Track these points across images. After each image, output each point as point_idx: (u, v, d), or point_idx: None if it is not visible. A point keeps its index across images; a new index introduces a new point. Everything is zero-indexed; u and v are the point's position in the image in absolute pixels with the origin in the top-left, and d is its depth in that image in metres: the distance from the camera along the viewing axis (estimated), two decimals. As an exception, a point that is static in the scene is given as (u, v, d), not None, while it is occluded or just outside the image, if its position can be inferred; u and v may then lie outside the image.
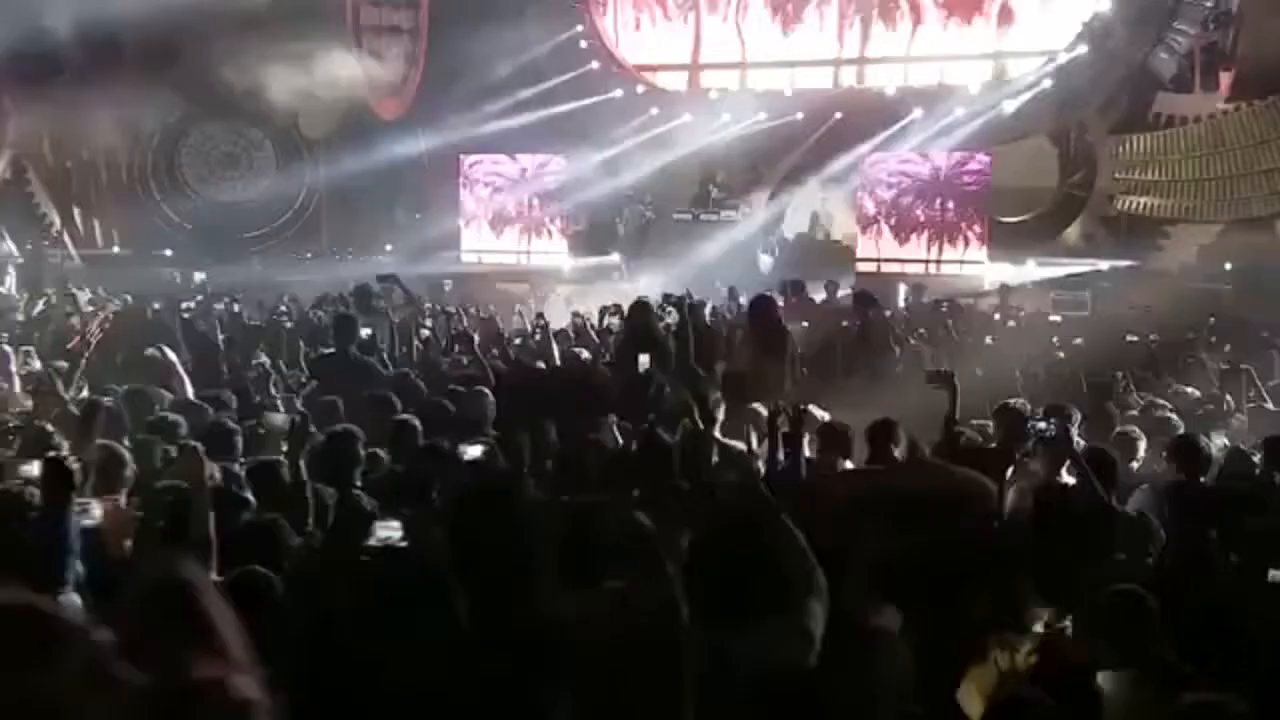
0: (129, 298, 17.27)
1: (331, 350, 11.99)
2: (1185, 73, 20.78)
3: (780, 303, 16.15)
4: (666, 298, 13.60)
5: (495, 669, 4.19)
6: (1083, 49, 21.02)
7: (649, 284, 19.48)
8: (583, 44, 24.28)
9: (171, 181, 24.98)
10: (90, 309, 15.82)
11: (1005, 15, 22.10)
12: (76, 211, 24.84)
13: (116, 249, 24.62)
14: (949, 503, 6.26)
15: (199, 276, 21.10)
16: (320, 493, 7.13)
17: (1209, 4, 20.23)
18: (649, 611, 4.44)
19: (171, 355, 11.03)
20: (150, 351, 11.59)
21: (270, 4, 21.65)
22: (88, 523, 6.22)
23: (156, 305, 15.74)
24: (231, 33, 22.02)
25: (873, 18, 23.06)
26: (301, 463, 7.10)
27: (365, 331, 12.20)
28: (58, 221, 24.48)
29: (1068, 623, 5.03)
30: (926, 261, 21.67)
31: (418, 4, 24.21)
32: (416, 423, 8.74)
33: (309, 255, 23.40)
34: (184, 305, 15.41)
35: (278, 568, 5.85)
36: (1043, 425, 8.29)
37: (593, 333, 15.85)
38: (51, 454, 6.44)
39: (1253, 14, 19.85)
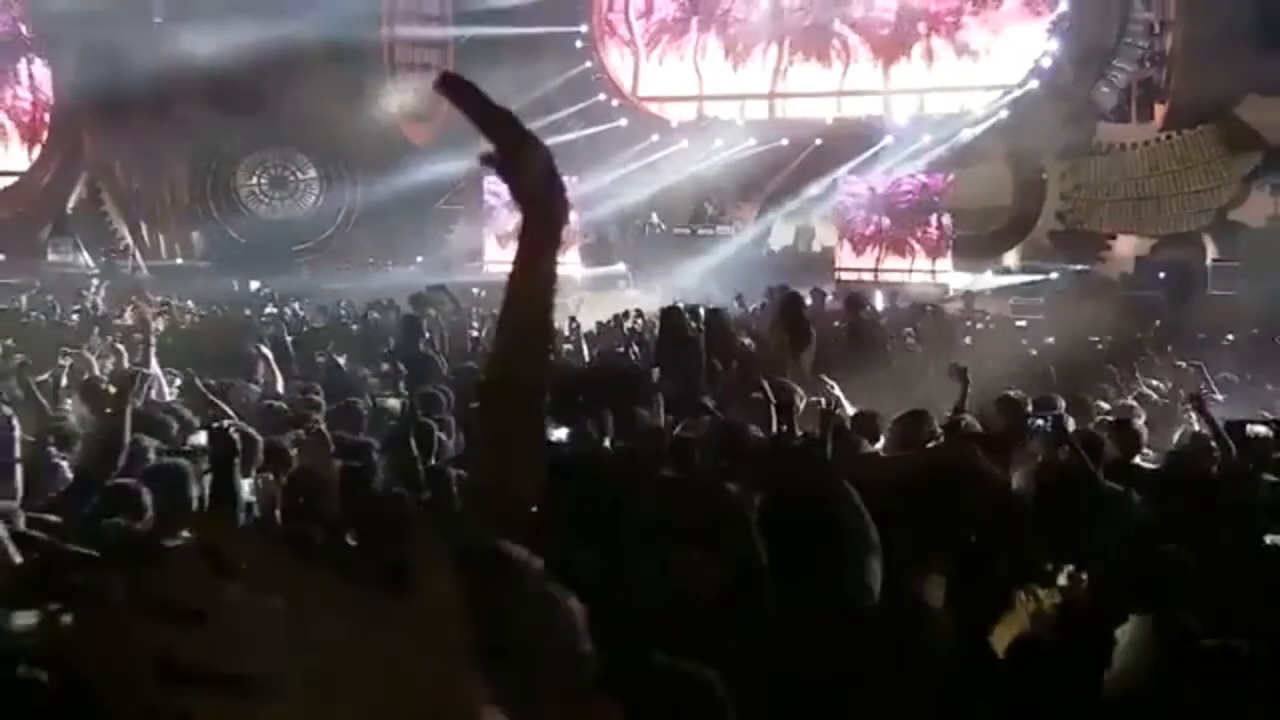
0: (218, 307, 17.27)
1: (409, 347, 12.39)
2: (1124, 105, 21.05)
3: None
4: (691, 308, 13.52)
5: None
6: (1034, 84, 21.24)
7: (654, 292, 19.46)
8: (591, 78, 24.32)
9: (228, 201, 25.15)
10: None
11: (969, 54, 22.23)
12: (144, 227, 25.06)
13: (180, 261, 24.75)
14: (969, 479, 6.28)
15: (254, 285, 21.08)
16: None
17: (1145, 45, 20.49)
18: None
19: (267, 352, 11.30)
20: (250, 349, 11.85)
21: (318, 46, 22.01)
22: (248, 497, 6.49)
23: (247, 311, 15.89)
24: (283, 71, 22.32)
25: (845, 56, 23.12)
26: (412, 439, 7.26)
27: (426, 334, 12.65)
28: (128, 236, 24.85)
29: (1084, 576, 5.02)
30: (898, 271, 21.59)
31: (445, 44, 24.51)
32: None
33: (347, 265, 23.37)
34: (265, 311, 15.66)
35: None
36: (1041, 420, 8.23)
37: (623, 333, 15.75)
38: (216, 425, 6.82)
39: (1183, 54, 20.07)
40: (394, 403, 8.97)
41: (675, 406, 9.26)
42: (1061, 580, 4.93)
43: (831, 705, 3.59)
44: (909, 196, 21.93)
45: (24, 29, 25.93)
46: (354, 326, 15.43)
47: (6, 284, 20.82)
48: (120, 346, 12.16)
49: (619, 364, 12.61)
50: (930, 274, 21.43)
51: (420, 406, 8.29)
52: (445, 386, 10.00)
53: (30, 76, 26.18)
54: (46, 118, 25.96)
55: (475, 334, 15.26)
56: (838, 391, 9.28)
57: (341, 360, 12.49)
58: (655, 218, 23.76)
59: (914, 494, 5.04)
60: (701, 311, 13.15)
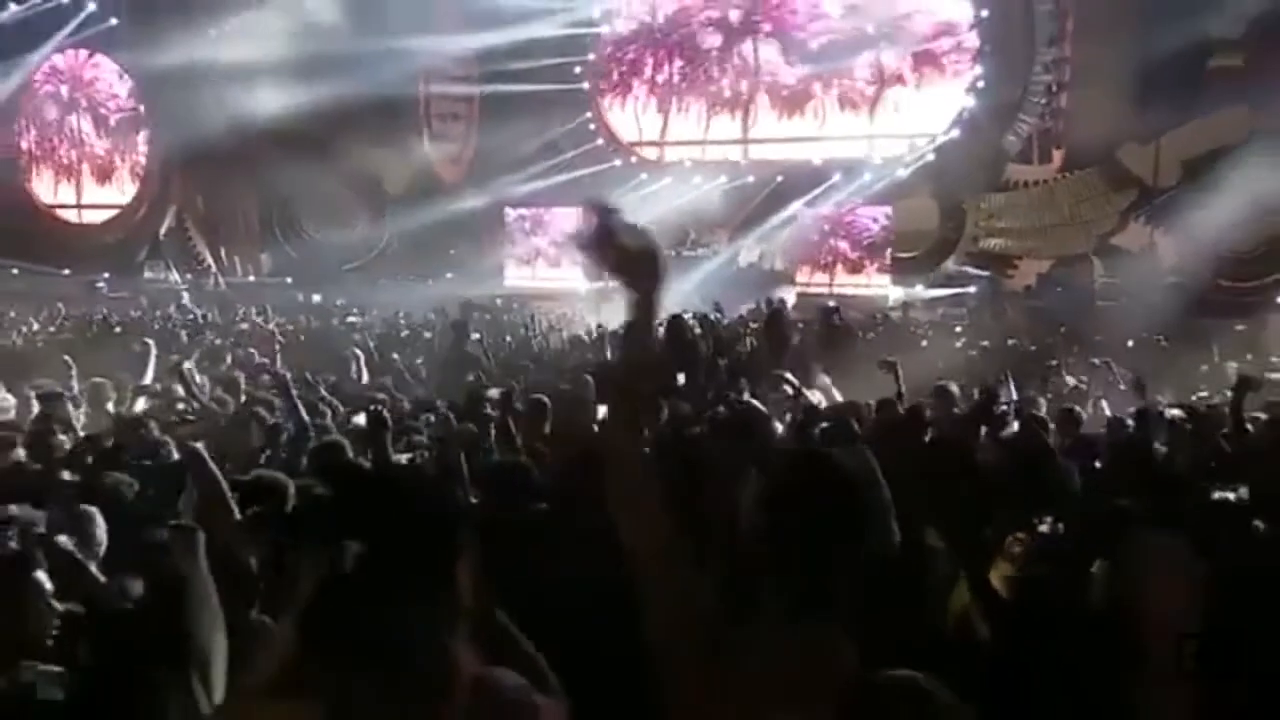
0: (306, 317, 17.61)
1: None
2: (1028, 150, 20.96)
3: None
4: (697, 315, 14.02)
5: None
6: (956, 133, 21.38)
7: None
8: (591, 126, 24.33)
9: (290, 228, 25.51)
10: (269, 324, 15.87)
11: (902, 108, 22.21)
12: (222, 250, 25.56)
13: (251, 278, 25.14)
14: (952, 458, 6.22)
15: (316, 298, 21.61)
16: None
17: (1044, 102, 20.67)
18: None
19: (359, 353, 11.70)
20: (345, 352, 12.26)
21: (365, 100, 22.31)
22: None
23: (335, 320, 16.24)
24: (336, 122, 22.66)
25: (803, 108, 22.96)
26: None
27: (474, 335, 13.29)
28: (208, 257, 25.33)
29: (1059, 526, 5.00)
30: (847, 285, 21.87)
31: (471, 99, 24.59)
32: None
33: (389, 280, 23.56)
34: (349, 320, 16.05)
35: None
36: (1004, 406, 8.62)
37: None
38: (372, 407, 6.85)
39: (1076, 111, 20.32)
40: (494, 392, 8.53)
41: (687, 397, 9.17)
42: (1043, 528, 5.02)
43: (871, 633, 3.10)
44: (855, 224, 22.25)
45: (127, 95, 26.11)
46: (426, 334, 15.40)
47: (113, 297, 21.39)
48: (251, 349, 12.40)
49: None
50: (870, 288, 21.59)
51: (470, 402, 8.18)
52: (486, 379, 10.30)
53: (125, 134, 26.37)
54: (143, 161, 26.20)
55: (509, 337, 15.56)
56: (828, 380, 9.66)
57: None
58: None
59: (926, 464, 5.76)
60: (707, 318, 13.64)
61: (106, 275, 23.44)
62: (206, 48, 23.48)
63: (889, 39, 22.03)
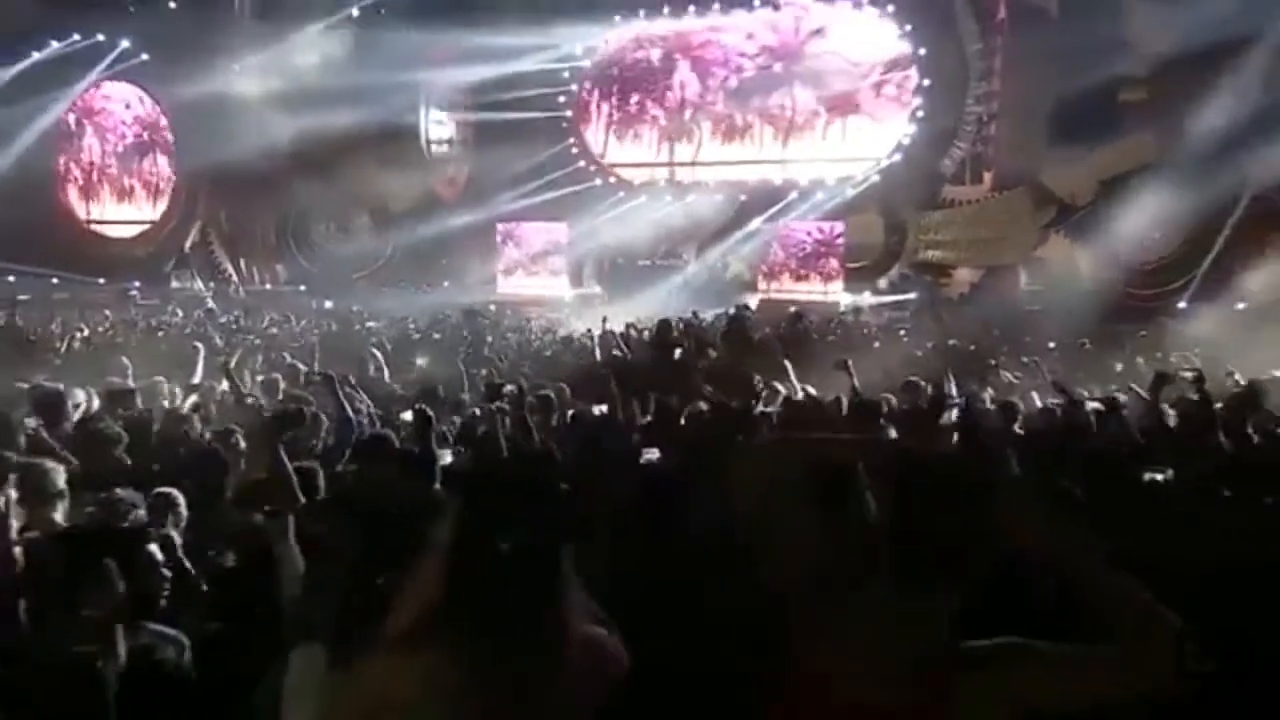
0: (327, 322, 17.65)
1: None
2: (961, 172, 21.03)
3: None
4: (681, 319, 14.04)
5: None
6: (898, 157, 21.44)
7: (623, 308, 19.27)
8: (573, 150, 24.27)
9: (304, 242, 25.49)
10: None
11: (851, 134, 22.19)
12: (242, 262, 25.62)
13: (268, 286, 25.17)
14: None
15: (328, 304, 21.73)
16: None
17: (976, 130, 20.78)
18: None
19: (378, 353, 11.63)
20: (362, 353, 12.03)
21: (372, 127, 22.55)
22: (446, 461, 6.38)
23: (357, 326, 16.21)
24: (346, 146, 22.73)
25: (766, 133, 23.01)
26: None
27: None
28: (229, 268, 25.39)
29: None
30: (803, 292, 21.80)
31: (467, 125, 24.65)
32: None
33: (392, 288, 23.47)
34: (367, 324, 16.16)
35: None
36: (957, 400, 8.51)
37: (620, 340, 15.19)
38: (419, 406, 6.74)
39: (1003, 137, 20.54)
40: (510, 388, 8.28)
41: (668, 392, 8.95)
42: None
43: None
44: (810, 238, 22.35)
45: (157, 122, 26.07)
46: (435, 335, 15.43)
47: (144, 304, 21.45)
48: (284, 352, 12.35)
49: (643, 365, 11.95)
50: (825, 295, 21.65)
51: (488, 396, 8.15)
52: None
53: (155, 157, 26.37)
54: (171, 182, 26.23)
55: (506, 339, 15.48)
56: (793, 379, 9.53)
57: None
58: (617, 258, 23.89)
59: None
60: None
61: (138, 284, 23.50)
62: (230, 81, 23.53)
63: (845, 75, 22.06)
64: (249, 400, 8.90)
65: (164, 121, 25.91)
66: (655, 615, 3.16)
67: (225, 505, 5.89)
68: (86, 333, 14.02)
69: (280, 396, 9.35)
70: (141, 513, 5.37)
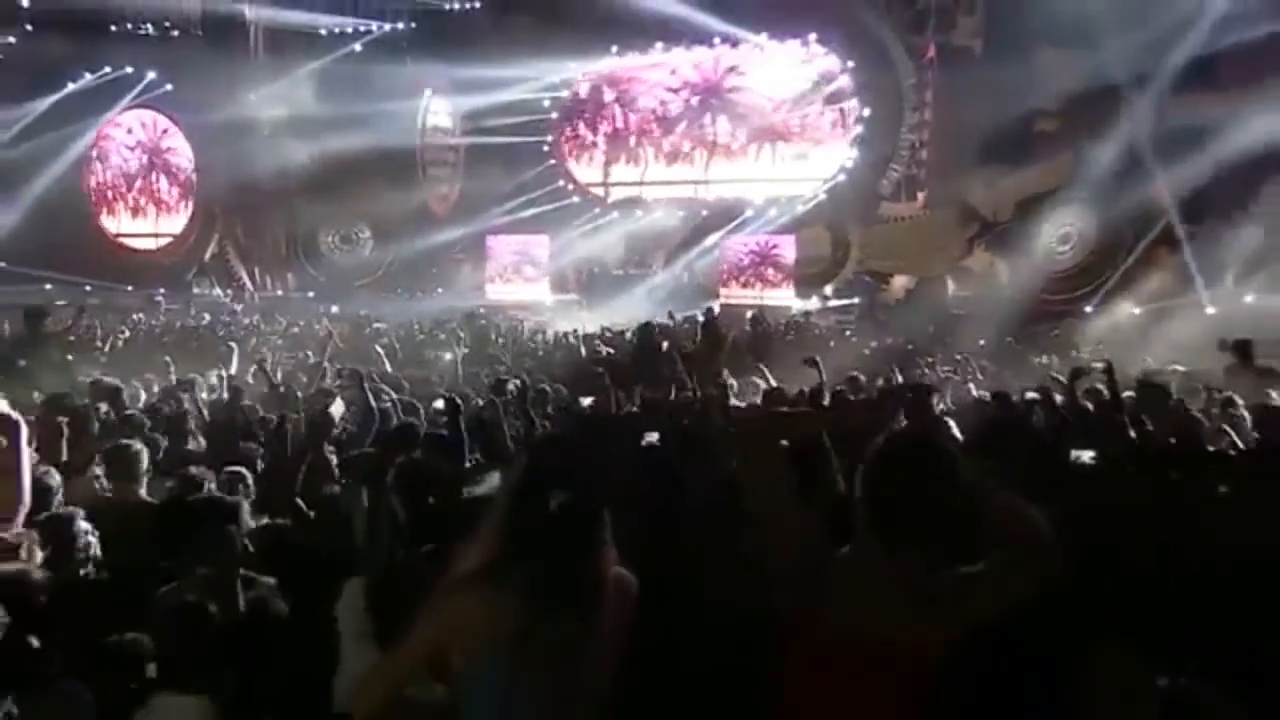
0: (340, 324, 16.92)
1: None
2: (898, 192, 21.18)
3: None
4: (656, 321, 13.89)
5: None
6: (842, 177, 21.51)
7: (598, 312, 20.17)
8: (553, 170, 24.13)
9: (312, 252, 25.31)
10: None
11: (802, 157, 22.27)
12: (256, 271, 25.58)
13: (279, 293, 25.05)
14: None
15: (334, 309, 21.35)
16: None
17: (910, 155, 20.96)
18: None
19: (382, 351, 11.76)
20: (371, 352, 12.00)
21: (373, 151, 22.49)
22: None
23: (366, 328, 16.18)
24: (350, 167, 22.72)
25: (720, 154, 23.00)
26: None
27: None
28: (245, 277, 25.33)
29: None
30: (759, 297, 21.72)
31: (458, 149, 24.61)
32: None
33: (392, 295, 23.20)
34: (375, 326, 16.28)
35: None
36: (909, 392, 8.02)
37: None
38: (448, 395, 6.77)
39: (934, 161, 20.73)
40: (513, 384, 8.40)
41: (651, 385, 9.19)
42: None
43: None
44: (765, 249, 22.42)
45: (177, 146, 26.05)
46: (440, 335, 15.45)
47: (170, 308, 21.33)
48: (307, 350, 12.35)
49: (629, 361, 12.09)
50: (780, 300, 21.59)
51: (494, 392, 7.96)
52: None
53: (176, 177, 26.37)
54: (192, 200, 26.15)
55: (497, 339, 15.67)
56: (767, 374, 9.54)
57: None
58: (595, 267, 24.02)
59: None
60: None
61: (163, 291, 23.41)
62: (245, 109, 23.60)
63: (795, 103, 22.22)
64: (281, 390, 8.92)
65: (184, 145, 25.84)
66: (661, 577, 3.15)
67: (288, 481, 5.93)
68: (127, 334, 14.19)
69: (314, 389, 9.32)
70: (213, 486, 5.51)
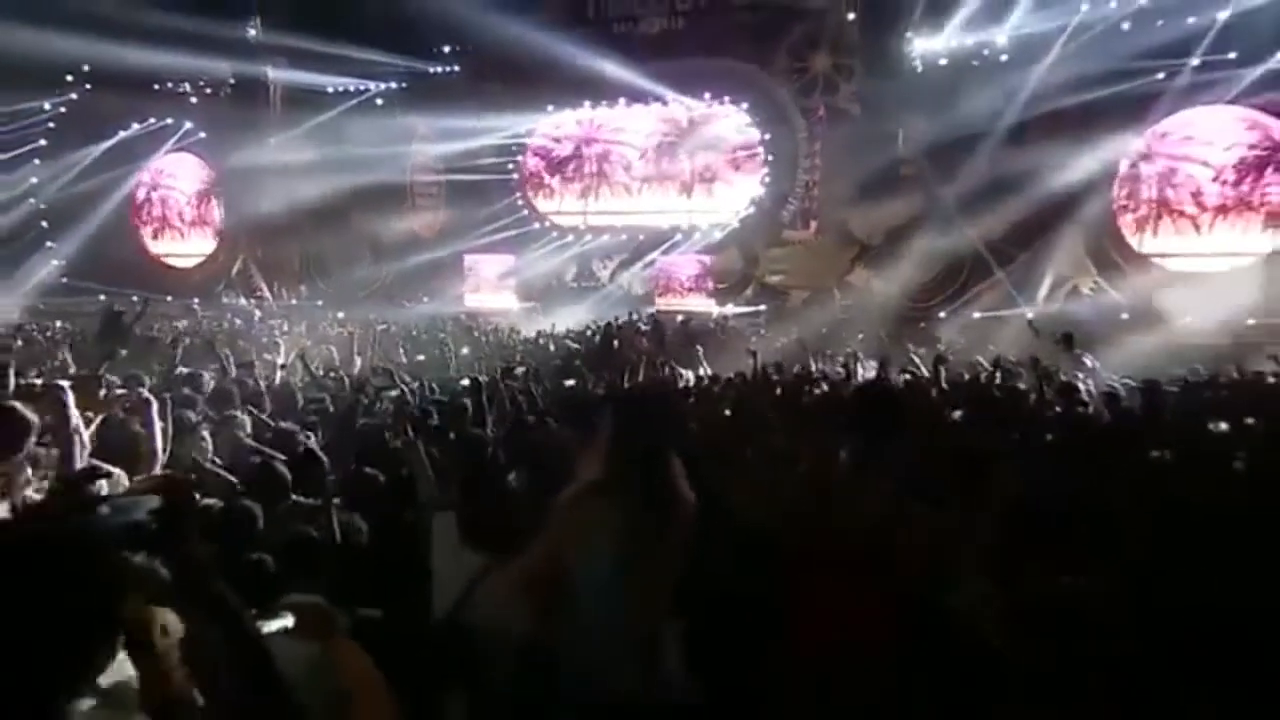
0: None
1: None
2: (796, 219, 21.20)
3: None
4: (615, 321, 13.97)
5: None
6: (752, 209, 21.79)
7: (556, 317, 20.36)
8: (519, 202, 24.26)
9: (321, 269, 25.20)
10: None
11: (718, 193, 22.44)
12: (274, 284, 25.48)
13: (294, 302, 24.81)
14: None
15: (340, 315, 21.10)
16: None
17: (804, 190, 21.05)
18: None
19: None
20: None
21: (371, 185, 22.70)
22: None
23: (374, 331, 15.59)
24: (352, 199, 22.96)
25: (654, 189, 23.07)
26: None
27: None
28: (264, 289, 25.25)
29: None
30: (687, 304, 21.96)
31: (441, 184, 24.42)
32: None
33: (388, 303, 23.08)
34: (380, 328, 16.00)
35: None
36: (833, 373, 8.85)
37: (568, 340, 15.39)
38: (474, 378, 6.82)
39: (823, 196, 20.83)
40: (520, 370, 8.42)
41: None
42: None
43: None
44: (690, 266, 22.67)
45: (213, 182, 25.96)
46: (440, 334, 15.46)
47: (204, 315, 21.41)
48: (330, 347, 12.30)
49: (595, 352, 12.30)
50: (702, 306, 21.85)
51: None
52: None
53: (207, 208, 26.41)
54: (221, 227, 26.22)
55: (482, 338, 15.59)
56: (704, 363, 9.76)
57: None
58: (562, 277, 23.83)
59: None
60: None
61: (197, 300, 23.47)
62: (267, 152, 23.65)
63: (713, 148, 22.50)
64: (328, 376, 9.11)
65: (218, 180, 25.77)
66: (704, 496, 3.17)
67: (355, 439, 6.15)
68: (188, 339, 14.43)
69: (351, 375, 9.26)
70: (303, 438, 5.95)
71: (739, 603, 3.15)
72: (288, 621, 2.50)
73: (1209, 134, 16.89)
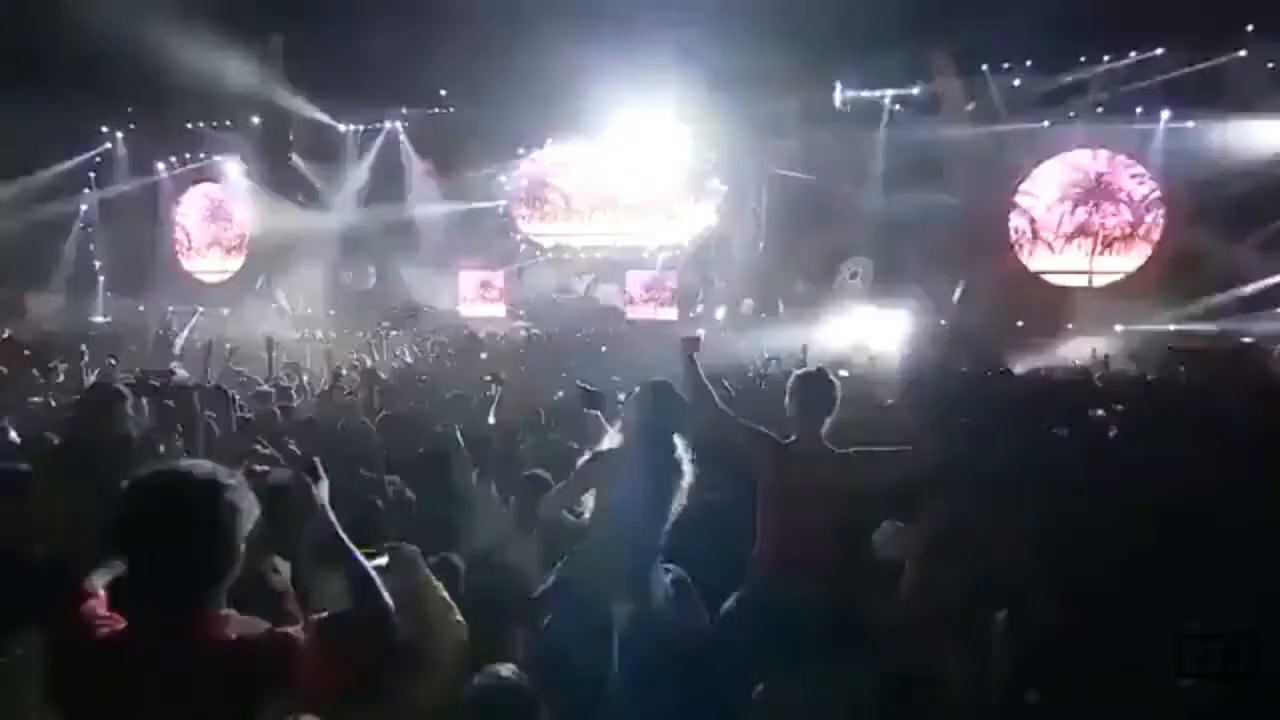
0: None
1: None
2: (748, 242, 21.29)
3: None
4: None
5: None
6: (709, 230, 22.15)
7: (538, 324, 20.71)
8: (507, 224, 24.20)
9: (334, 285, 24.52)
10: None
11: (677, 218, 22.50)
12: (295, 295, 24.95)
13: (309, 310, 23.62)
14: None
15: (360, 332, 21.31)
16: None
17: (753, 217, 21.36)
18: None
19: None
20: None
21: (379, 217, 22.66)
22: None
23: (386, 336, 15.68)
24: (363, 230, 23.00)
25: (626, 214, 23.10)
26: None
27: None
28: (284, 299, 24.79)
29: None
30: (653, 315, 22.19)
31: (441, 213, 23.73)
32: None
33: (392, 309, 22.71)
34: (391, 333, 16.11)
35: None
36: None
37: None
38: (492, 374, 6.78)
39: (772, 216, 21.15)
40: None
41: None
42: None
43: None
44: (657, 281, 22.88)
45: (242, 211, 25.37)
46: (443, 337, 15.62)
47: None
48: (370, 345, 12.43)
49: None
50: (665, 316, 22.07)
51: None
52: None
53: (236, 231, 25.91)
54: (246, 246, 25.90)
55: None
56: None
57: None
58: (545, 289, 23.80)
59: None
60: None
61: (226, 310, 23.06)
62: (289, 184, 23.77)
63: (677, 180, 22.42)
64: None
65: (243, 209, 25.44)
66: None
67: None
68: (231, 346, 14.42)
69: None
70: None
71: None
72: (382, 561, 2.81)
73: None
